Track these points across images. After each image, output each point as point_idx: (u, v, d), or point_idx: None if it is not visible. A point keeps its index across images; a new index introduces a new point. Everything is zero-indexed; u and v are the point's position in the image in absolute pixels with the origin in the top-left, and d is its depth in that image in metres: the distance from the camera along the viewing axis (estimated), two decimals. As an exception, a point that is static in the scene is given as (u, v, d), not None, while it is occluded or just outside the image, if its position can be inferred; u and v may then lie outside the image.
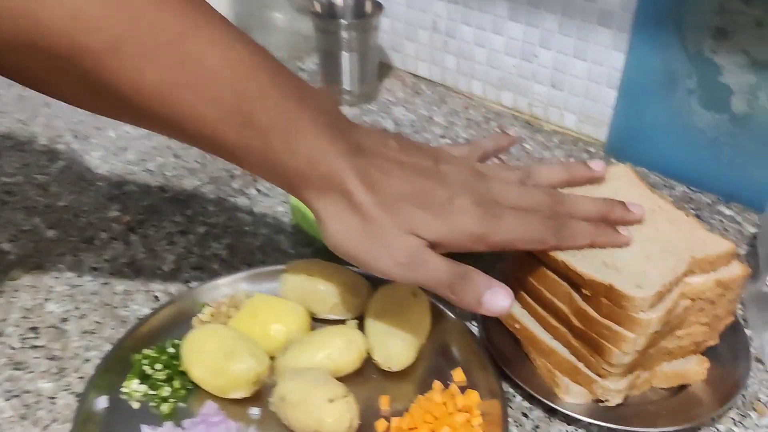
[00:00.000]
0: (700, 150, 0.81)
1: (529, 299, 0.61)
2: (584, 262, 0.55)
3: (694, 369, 0.59)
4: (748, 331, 0.64)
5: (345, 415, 0.52)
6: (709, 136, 0.80)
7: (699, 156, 0.82)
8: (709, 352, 0.60)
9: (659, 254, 0.55)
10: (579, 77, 0.90)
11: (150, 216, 0.79)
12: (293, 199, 0.75)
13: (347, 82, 0.99)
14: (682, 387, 0.59)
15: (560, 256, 0.55)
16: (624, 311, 0.52)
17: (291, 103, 0.50)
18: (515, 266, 0.62)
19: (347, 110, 1.00)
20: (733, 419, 0.58)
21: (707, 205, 0.82)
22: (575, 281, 0.55)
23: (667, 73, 0.80)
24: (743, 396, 0.59)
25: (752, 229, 0.78)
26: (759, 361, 0.63)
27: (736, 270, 0.56)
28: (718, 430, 0.57)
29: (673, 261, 0.54)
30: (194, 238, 0.76)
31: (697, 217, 0.80)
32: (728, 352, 0.61)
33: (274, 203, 0.82)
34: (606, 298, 0.52)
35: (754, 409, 0.59)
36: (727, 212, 0.81)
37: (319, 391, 0.53)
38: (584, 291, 0.54)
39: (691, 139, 0.82)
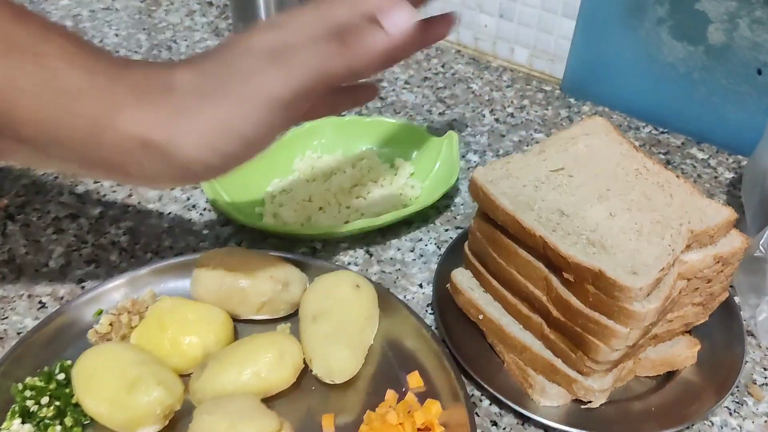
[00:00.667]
0: (669, 87, 0.72)
1: (495, 283, 0.52)
2: (567, 240, 0.45)
3: (684, 353, 0.51)
4: (736, 298, 0.57)
5: (280, 455, 0.42)
6: (681, 71, 0.70)
7: (668, 94, 0.73)
8: (697, 330, 0.53)
9: (652, 228, 0.46)
10: (531, 6, 0.78)
11: (32, 198, 0.65)
12: None
13: (265, 16, 0.85)
14: (671, 372, 0.52)
15: (538, 230, 0.45)
16: (615, 301, 0.43)
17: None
18: (477, 241, 0.52)
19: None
20: (728, 408, 0.51)
21: (677, 148, 0.73)
22: (556, 263, 0.45)
23: (634, 0, 0.69)
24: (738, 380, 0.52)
25: (728, 174, 0.70)
26: (750, 334, 0.56)
27: (736, 241, 0.48)
28: (712, 423, 0.50)
29: (669, 237, 0.45)
30: (87, 223, 0.63)
31: (667, 162, 0.71)
32: (719, 329, 0.53)
33: (184, 172, 0.68)
34: (594, 285, 0.43)
35: (750, 394, 0.52)
36: (700, 155, 0.72)
37: (245, 426, 0.43)
38: (566, 275, 0.44)
39: (659, 75, 0.72)
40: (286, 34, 0.40)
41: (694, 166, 0.71)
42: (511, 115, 0.77)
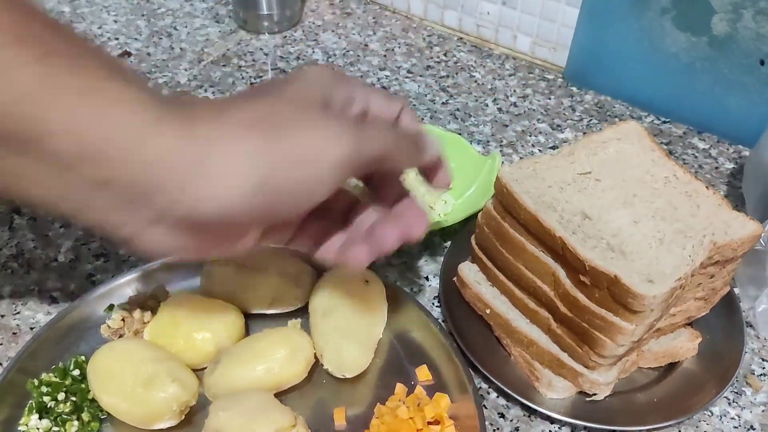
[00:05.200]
0: (672, 77, 0.72)
1: (501, 277, 0.52)
2: (586, 243, 0.45)
3: (685, 346, 0.52)
4: (736, 290, 0.58)
5: (295, 450, 0.43)
6: (684, 61, 0.71)
7: (671, 83, 0.73)
8: (698, 322, 0.54)
9: (674, 237, 0.46)
10: (534, -7, 0.78)
11: (38, 190, 0.65)
12: None
13: (265, 4, 0.85)
14: (673, 364, 0.53)
15: (558, 231, 0.46)
16: (628, 307, 0.43)
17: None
18: (484, 235, 0.53)
19: (267, 39, 0.85)
20: (728, 398, 0.52)
21: (678, 138, 0.74)
22: (573, 265, 0.46)
23: (638, -11, 0.70)
24: (737, 370, 0.53)
25: (729, 165, 0.71)
26: (749, 325, 0.57)
27: (740, 239, 0.48)
28: (712, 413, 0.51)
29: (691, 247, 0.45)
30: (95, 217, 0.63)
31: (669, 152, 0.72)
32: (719, 321, 0.55)
33: (189, 163, 0.69)
34: (609, 290, 0.44)
35: (748, 384, 0.53)
36: (701, 145, 0.73)
37: (260, 423, 0.44)
38: (583, 278, 0.45)
39: (662, 65, 0.72)
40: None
41: (696, 156, 0.72)
42: (514, 104, 0.77)
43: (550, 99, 0.78)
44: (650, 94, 0.75)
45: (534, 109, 0.76)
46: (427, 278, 0.59)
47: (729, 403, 0.52)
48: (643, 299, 0.42)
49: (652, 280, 0.43)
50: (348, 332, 0.50)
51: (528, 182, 0.49)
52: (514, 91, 0.79)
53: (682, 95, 0.73)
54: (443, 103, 0.77)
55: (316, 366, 0.51)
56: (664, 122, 0.76)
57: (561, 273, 0.47)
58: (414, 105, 0.76)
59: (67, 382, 0.49)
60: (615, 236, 0.46)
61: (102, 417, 0.48)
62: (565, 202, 0.48)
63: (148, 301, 0.54)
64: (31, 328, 0.54)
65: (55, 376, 0.49)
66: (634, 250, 0.45)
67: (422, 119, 0.74)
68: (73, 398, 0.48)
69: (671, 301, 0.46)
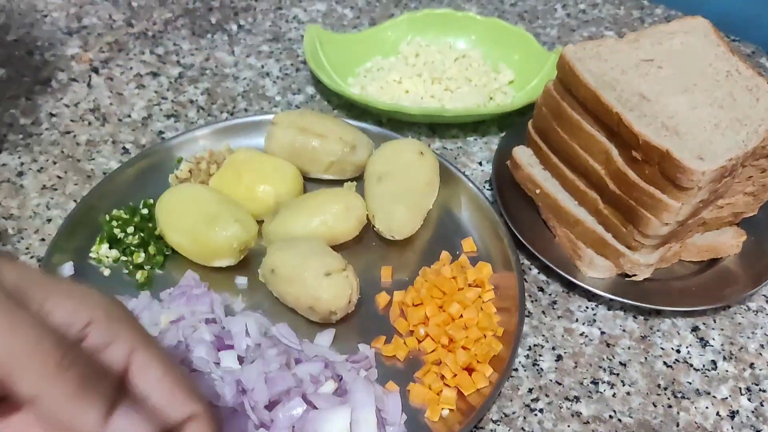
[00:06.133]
0: (748, -8, 0.71)
1: (555, 159, 0.54)
2: (642, 121, 0.46)
3: (729, 242, 0.53)
4: (787, 200, 0.58)
5: (343, 290, 0.46)
6: (762, -26, 0.69)
7: (744, 1, 0.71)
8: (744, 223, 0.54)
9: (730, 124, 0.47)
10: None
11: (115, 54, 0.69)
12: (309, 32, 0.66)
13: None
14: (713, 261, 0.54)
15: (616, 107, 0.46)
16: (675, 182, 0.44)
17: None
18: (541, 116, 0.54)
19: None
20: (766, 296, 0.53)
21: (746, 57, 0.73)
22: (627, 140, 0.47)
23: None
24: (780, 272, 0.54)
25: (796, 86, 0.70)
26: (798, 233, 0.57)
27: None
28: (749, 308, 0.52)
29: (745, 134, 0.46)
30: (167, 81, 0.66)
31: (735, 70, 0.71)
32: (766, 225, 0.55)
33: (258, 42, 0.71)
34: (659, 166, 0.45)
35: (790, 286, 0.54)
36: (769, 65, 0.72)
37: (314, 263, 0.47)
38: (635, 154, 0.46)
39: (739, -21, 0.71)
40: None
41: (762, 76, 0.71)
42: (583, 11, 0.76)
43: (620, 9, 0.77)
44: (722, 11, 0.73)
45: (603, 17, 0.76)
46: (480, 163, 0.61)
47: (767, 301, 0.53)
48: (692, 174, 0.43)
49: (703, 157, 0.43)
50: (400, 197, 0.52)
51: (590, 62, 0.50)
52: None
53: (754, 14, 0.72)
54: (512, 4, 0.77)
55: (367, 229, 0.53)
56: (734, 40, 0.74)
57: (614, 152, 0.48)
58: (482, 4, 0.76)
59: (136, 219, 0.53)
60: (671, 118, 0.46)
61: (166, 253, 0.52)
62: (625, 83, 0.49)
63: (215, 156, 0.56)
64: (104, 173, 0.58)
65: (126, 213, 0.53)
66: (688, 131, 0.45)
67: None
68: (141, 234, 0.52)
69: (720, 188, 0.47)
